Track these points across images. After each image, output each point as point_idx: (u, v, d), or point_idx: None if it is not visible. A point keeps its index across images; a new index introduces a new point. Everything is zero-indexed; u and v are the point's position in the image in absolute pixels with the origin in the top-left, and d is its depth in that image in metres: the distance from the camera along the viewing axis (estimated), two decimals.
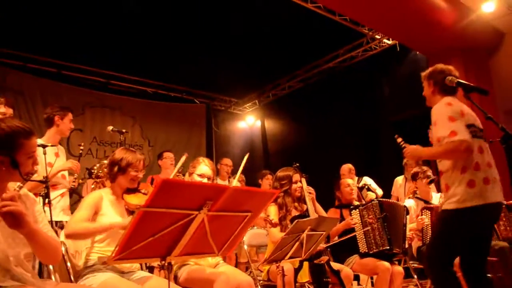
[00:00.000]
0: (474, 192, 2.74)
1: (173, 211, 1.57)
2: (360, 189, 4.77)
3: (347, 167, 6.28)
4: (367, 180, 6.14)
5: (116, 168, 2.66)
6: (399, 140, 3.20)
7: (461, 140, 2.69)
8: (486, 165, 2.85)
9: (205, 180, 3.15)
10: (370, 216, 3.93)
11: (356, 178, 6.24)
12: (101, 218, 2.54)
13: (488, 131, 6.17)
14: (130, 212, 2.69)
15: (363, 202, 4.22)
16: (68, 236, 2.37)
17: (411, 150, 3.05)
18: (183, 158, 2.97)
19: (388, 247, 3.79)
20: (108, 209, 2.58)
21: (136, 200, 2.67)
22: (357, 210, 4.01)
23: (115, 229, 2.43)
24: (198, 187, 1.67)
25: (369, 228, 3.89)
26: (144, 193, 2.75)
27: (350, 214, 4.04)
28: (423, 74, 3.17)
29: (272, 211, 3.70)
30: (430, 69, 3.15)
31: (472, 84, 3.02)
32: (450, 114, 2.80)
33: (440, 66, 3.12)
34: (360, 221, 3.96)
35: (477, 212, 2.73)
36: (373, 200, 4.05)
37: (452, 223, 2.82)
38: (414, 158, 3.04)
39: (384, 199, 4.23)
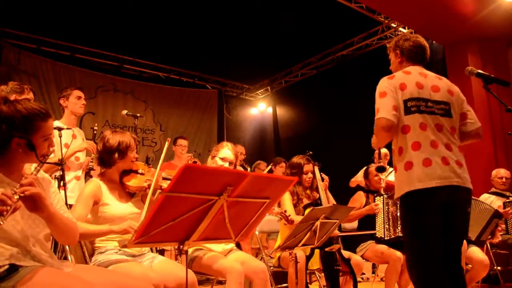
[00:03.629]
0: (409, 175, 2.44)
1: (194, 196, 1.57)
2: None
3: (383, 152, 6.13)
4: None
5: (116, 154, 2.57)
6: None
7: (378, 118, 2.47)
8: (430, 144, 2.48)
9: (226, 164, 3.15)
10: (393, 204, 3.97)
11: (387, 166, 6.16)
12: (104, 208, 2.49)
13: (506, 123, 6.11)
14: (131, 194, 2.64)
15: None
16: None
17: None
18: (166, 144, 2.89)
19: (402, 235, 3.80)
20: (109, 197, 2.54)
21: (136, 181, 2.61)
22: (382, 197, 4.04)
23: (125, 216, 2.46)
24: (220, 173, 1.67)
25: (391, 215, 3.94)
26: (141, 173, 2.67)
27: (374, 200, 4.08)
28: (389, 45, 2.89)
29: (287, 198, 3.71)
30: (394, 38, 2.89)
31: (492, 75, 2.91)
32: (382, 90, 2.56)
33: (406, 33, 2.86)
34: (383, 208, 3.99)
35: (420, 197, 2.43)
36: None
37: (403, 215, 2.55)
38: (374, 146, 2.78)
39: None
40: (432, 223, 2.45)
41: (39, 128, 1.82)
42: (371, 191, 4.28)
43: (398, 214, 3.86)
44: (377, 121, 2.49)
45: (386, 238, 3.90)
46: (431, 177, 2.41)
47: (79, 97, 4.01)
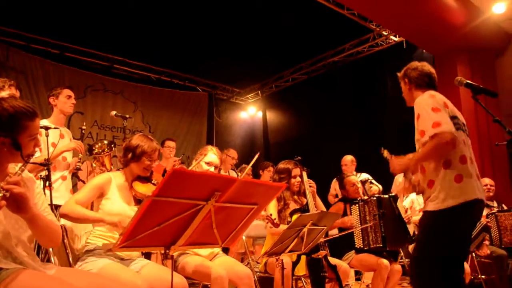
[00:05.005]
0: (461, 188, 2.54)
1: (181, 201, 1.56)
2: (363, 183, 4.74)
3: (350, 158, 6.32)
4: (367, 176, 6.13)
5: (130, 155, 2.62)
6: (385, 154, 3.09)
7: (444, 131, 2.50)
8: (470, 160, 2.67)
9: (212, 169, 3.14)
10: (369, 212, 3.91)
11: (355, 172, 6.27)
12: (106, 202, 2.51)
13: (492, 134, 6.19)
14: (137, 200, 2.65)
15: (365, 197, 4.17)
16: (62, 215, 2.35)
17: (394, 163, 2.81)
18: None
19: (381, 245, 3.75)
20: (114, 194, 2.55)
21: (145, 189, 2.63)
22: (357, 205, 3.98)
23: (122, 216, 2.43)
24: (208, 178, 1.66)
25: (367, 224, 3.87)
26: (154, 184, 2.69)
27: (350, 209, 4.03)
28: (399, 74, 3.06)
29: (271, 203, 3.69)
30: (404, 68, 3.04)
31: (480, 86, 2.96)
32: (433, 105, 2.62)
33: (414, 63, 3.01)
34: (359, 216, 3.94)
35: (465, 210, 2.55)
36: (372, 196, 4.02)
37: (439, 226, 2.60)
38: (400, 171, 2.79)
39: (382, 196, 4.13)
40: (468, 235, 2.69)
41: (26, 127, 1.79)
42: (347, 200, 4.23)
43: (377, 223, 3.81)
44: (440, 135, 2.51)
45: (365, 248, 3.84)
46: (474, 190, 2.58)
47: (69, 96, 3.98)
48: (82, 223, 2.50)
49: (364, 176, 6.18)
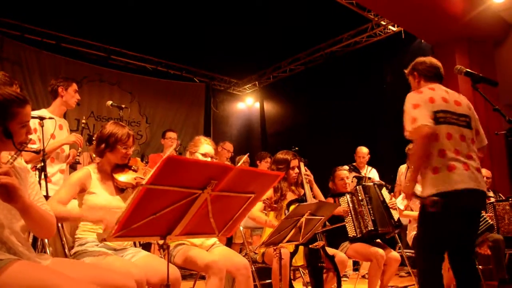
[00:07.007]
0: (436, 179, 2.71)
1: (176, 189, 1.53)
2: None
3: (366, 150, 6.26)
4: (375, 177, 6.11)
5: (103, 145, 2.55)
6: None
7: (419, 125, 2.67)
8: (454, 152, 2.73)
9: (208, 160, 3.10)
10: (357, 202, 4.06)
11: (366, 166, 6.25)
12: (89, 196, 2.47)
13: (491, 123, 6.17)
14: (119, 189, 2.61)
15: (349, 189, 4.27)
16: None
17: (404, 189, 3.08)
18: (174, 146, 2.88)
19: (372, 228, 3.90)
20: (97, 187, 2.51)
21: (126, 177, 2.59)
22: (345, 196, 4.09)
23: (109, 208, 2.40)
24: (204, 166, 1.63)
25: (357, 212, 4.01)
26: (134, 170, 2.65)
27: (338, 202, 4.08)
28: (407, 71, 3.15)
29: (267, 193, 3.67)
30: (411, 64, 3.13)
31: (481, 75, 2.96)
32: (414, 102, 2.78)
33: (421, 58, 3.11)
34: (349, 207, 4.04)
35: (442, 200, 2.69)
36: (356, 186, 4.17)
37: (421, 215, 2.83)
38: (409, 190, 2.90)
39: (367, 184, 4.30)
40: (452, 226, 2.72)
41: (16, 114, 1.76)
42: (335, 195, 4.24)
43: (365, 209, 4.01)
44: (418, 129, 2.68)
45: (358, 236, 3.93)
46: (455, 181, 2.66)
47: (76, 91, 3.94)
48: (67, 222, 2.46)
49: (374, 173, 6.17)
